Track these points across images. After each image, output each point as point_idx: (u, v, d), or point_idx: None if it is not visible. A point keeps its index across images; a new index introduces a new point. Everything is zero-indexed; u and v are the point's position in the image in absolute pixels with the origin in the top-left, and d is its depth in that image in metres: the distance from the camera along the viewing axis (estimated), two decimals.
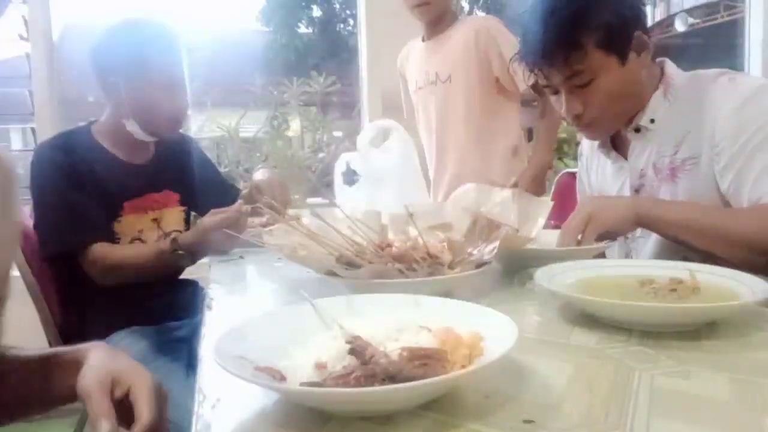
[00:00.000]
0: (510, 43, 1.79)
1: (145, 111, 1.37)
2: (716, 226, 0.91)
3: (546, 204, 0.96)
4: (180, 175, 1.51)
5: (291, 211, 1.06)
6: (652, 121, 1.05)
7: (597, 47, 0.98)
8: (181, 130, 1.51)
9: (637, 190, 1.12)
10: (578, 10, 0.98)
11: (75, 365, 0.65)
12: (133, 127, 1.38)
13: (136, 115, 1.37)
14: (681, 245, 0.96)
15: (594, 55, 0.99)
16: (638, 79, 1.04)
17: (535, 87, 1.66)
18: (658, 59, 1.10)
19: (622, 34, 1.00)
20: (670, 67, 1.08)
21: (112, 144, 1.41)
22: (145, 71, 1.35)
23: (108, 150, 1.41)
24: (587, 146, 1.30)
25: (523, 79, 1.62)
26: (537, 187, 1.84)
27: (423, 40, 2.01)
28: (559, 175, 2.53)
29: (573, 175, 2.43)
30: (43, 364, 0.70)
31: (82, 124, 1.46)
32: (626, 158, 1.13)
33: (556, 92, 1.06)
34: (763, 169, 0.92)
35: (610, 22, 0.98)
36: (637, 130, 1.08)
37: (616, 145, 1.16)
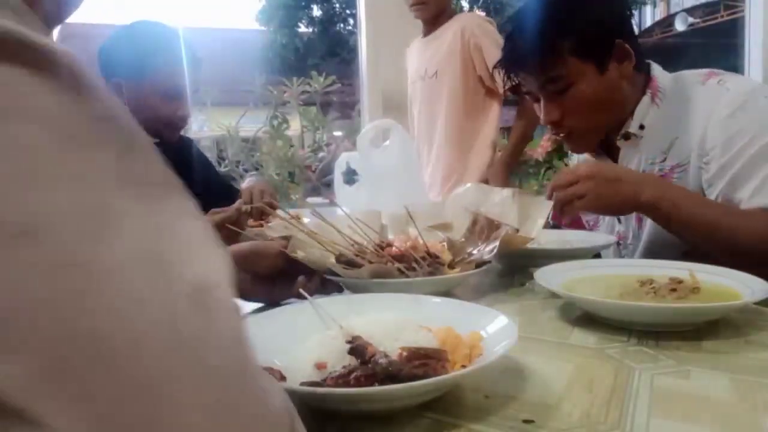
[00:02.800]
0: (492, 42, 1.84)
1: (146, 114, 1.38)
2: (717, 226, 0.87)
3: (546, 204, 0.96)
4: (179, 176, 1.51)
5: (291, 211, 1.06)
6: (642, 127, 1.03)
7: (573, 54, 0.97)
8: (181, 132, 1.52)
9: None
10: (555, 16, 0.98)
11: None
12: None
13: (136, 117, 1.38)
14: (682, 240, 0.94)
15: (570, 61, 0.98)
16: (618, 88, 1.01)
17: (514, 89, 1.68)
18: (646, 62, 1.07)
19: (601, 42, 0.98)
20: (657, 70, 1.05)
21: None
22: (146, 75, 1.36)
23: None
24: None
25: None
26: (500, 182, 1.86)
27: (422, 36, 2.07)
28: None
29: None
30: None
31: None
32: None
33: (537, 99, 1.05)
34: (760, 184, 0.89)
35: (587, 29, 0.98)
36: (627, 137, 1.06)
37: (608, 150, 1.14)
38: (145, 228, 0.22)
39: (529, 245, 1.08)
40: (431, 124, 2.03)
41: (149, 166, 0.25)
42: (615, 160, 1.12)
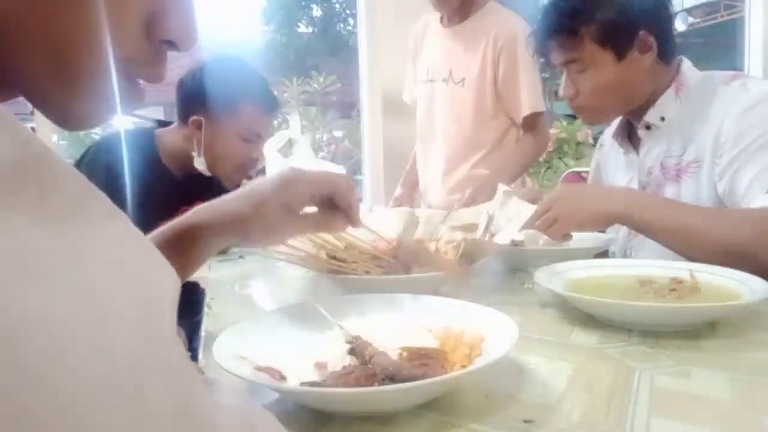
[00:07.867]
0: (527, 68, 1.63)
1: (219, 153, 1.34)
2: (692, 228, 0.88)
3: (528, 208, 0.96)
4: (210, 185, 1.41)
5: None
6: (663, 119, 1.06)
7: (593, 41, 1.02)
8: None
9: (644, 187, 1.12)
10: (581, 3, 1.02)
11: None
12: (200, 165, 1.34)
13: (208, 154, 1.34)
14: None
15: (589, 47, 1.02)
16: (636, 78, 1.04)
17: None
18: (676, 57, 1.09)
19: (623, 32, 1.01)
20: (686, 66, 1.08)
21: (168, 154, 1.37)
22: (230, 115, 1.31)
23: (161, 161, 1.37)
24: (609, 139, 1.28)
25: (527, 106, 1.64)
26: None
27: (441, 21, 1.78)
28: (564, 174, 2.53)
29: (578, 174, 2.43)
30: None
31: (148, 125, 1.44)
32: (638, 153, 1.14)
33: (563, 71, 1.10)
34: (757, 173, 0.91)
35: (610, 19, 1.01)
36: (648, 127, 1.09)
37: (632, 138, 1.17)
38: (72, 264, 0.21)
39: (530, 245, 1.08)
40: (453, 135, 1.77)
41: (70, 195, 0.23)
42: (636, 146, 1.14)
